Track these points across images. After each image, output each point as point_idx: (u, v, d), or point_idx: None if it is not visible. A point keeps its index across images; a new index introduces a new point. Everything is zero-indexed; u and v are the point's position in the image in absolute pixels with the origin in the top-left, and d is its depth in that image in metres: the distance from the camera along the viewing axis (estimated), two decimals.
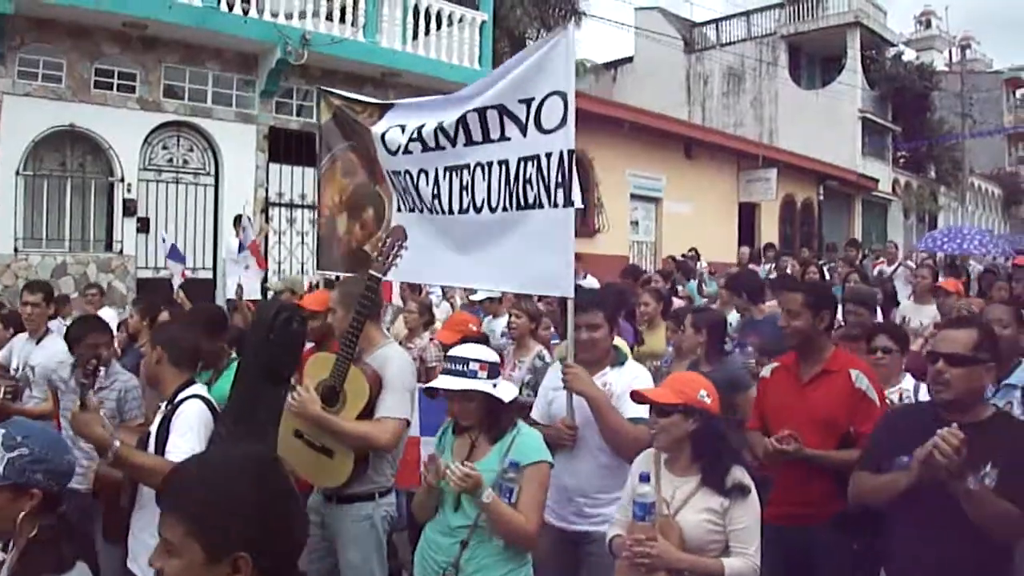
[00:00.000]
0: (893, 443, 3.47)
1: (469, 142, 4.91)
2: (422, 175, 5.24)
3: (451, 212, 5.07)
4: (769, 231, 26.50)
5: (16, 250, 12.30)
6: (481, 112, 4.79)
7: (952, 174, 39.45)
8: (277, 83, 14.36)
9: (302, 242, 15.19)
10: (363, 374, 4.33)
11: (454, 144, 4.99)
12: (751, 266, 15.83)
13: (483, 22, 16.88)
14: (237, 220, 11.91)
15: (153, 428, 4.15)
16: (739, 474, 3.47)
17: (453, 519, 3.63)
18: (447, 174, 5.08)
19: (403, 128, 5.32)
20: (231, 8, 13.43)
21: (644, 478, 3.43)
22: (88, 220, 12.99)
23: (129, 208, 13.20)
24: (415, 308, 8.33)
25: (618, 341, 5.04)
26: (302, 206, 15.17)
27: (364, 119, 5.74)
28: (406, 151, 5.30)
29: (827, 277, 14.18)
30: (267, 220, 14.51)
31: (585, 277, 12.82)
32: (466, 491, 3.49)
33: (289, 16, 14.02)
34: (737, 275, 7.99)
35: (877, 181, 32.45)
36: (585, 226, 19.67)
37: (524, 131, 4.59)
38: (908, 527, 3.39)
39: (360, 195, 5.97)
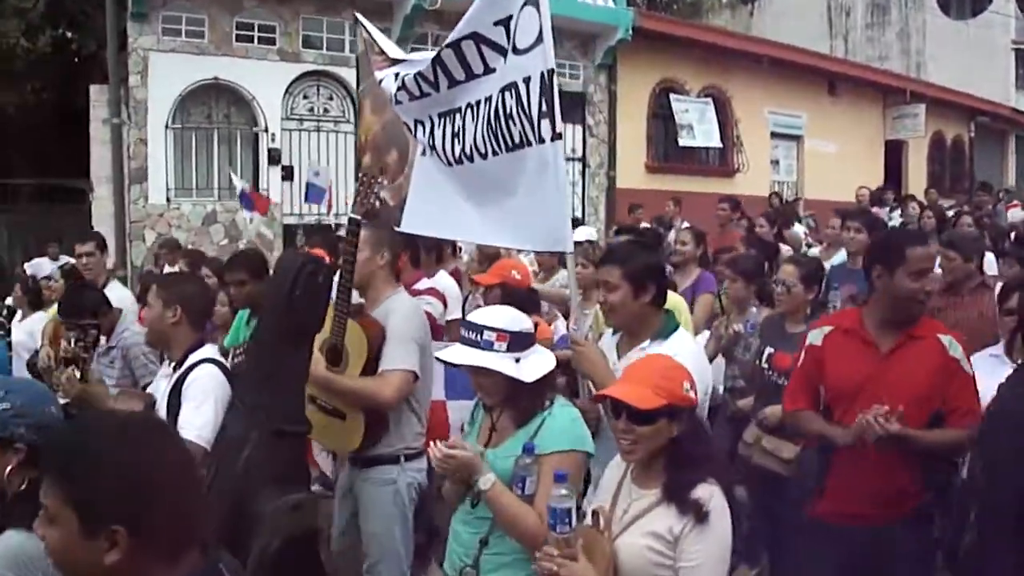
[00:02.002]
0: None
1: (452, 83, 4.27)
2: (418, 125, 4.61)
3: (449, 164, 4.40)
4: (917, 170, 25.28)
5: (168, 200, 12.77)
6: (455, 46, 4.14)
7: None
8: (412, 29, 14.36)
9: None
10: (362, 328, 4.08)
11: (437, 88, 4.36)
12: (874, 209, 14.12)
13: None
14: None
15: (162, 395, 3.91)
16: (704, 493, 2.64)
17: (476, 508, 3.13)
18: (441, 121, 4.43)
19: (396, 75, 4.70)
20: None
21: (559, 477, 2.70)
22: (235, 169, 13.31)
23: (273, 157, 13.53)
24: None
25: (674, 302, 4.37)
26: None
27: (375, 59, 5.16)
28: (397, 101, 4.71)
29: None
30: None
31: (682, 223, 12.33)
32: (451, 475, 3.06)
33: None
34: (736, 258, 6.80)
35: None
36: (724, 165, 19.27)
37: (505, 57, 3.95)
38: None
39: (388, 135, 5.32)
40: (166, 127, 12.78)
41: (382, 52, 5.12)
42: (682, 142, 18.04)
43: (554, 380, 3.21)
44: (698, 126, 18.17)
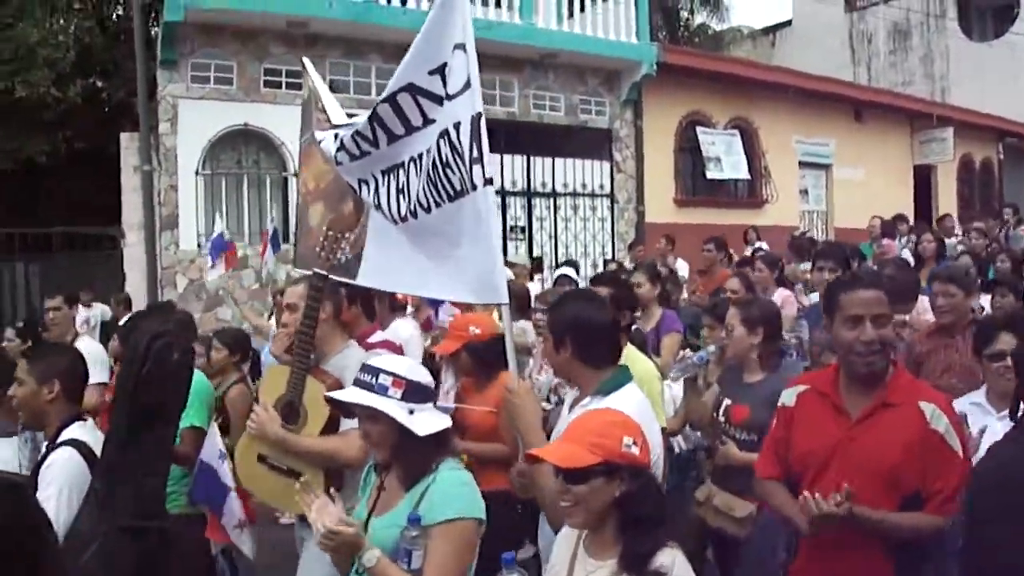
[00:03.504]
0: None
1: (392, 138, 4.05)
2: (362, 185, 4.36)
3: (395, 222, 4.16)
4: (947, 194, 25.08)
5: (199, 246, 12.80)
6: (391, 100, 3.94)
7: None
8: None
9: None
10: (322, 384, 3.89)
11: (376, 145, 4.14)
12: (885, 241, 13.48)
13: None
14: None
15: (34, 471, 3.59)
16: (666, 560, 2.47)
17: None
18: (385, 178, 4.19)
19: (336, 136, 4.45)
20: (389, 1, 13.57)
21: (507, 561, 2.57)
22: (265, 214, 13.36)
23: None
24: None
25: (630, 356, 4.02)
26: None
27: (318, 116, 4.93)
28: (337, 163, 4.46)
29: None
30: None
31: (675, 260, 12.19)
32: (334, 553, 2.79)
33: None
34: (716, 303, 6.20)
35: None
36: (753, 197, 19.16)
37: (442, 105, 3.76)
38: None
39: (341, 183, 4.82)
40: (196, 173, 12.84)
41: (324, 111, 4.93)
42: (710, 175, 17.98)
43: (447, 442, 2.98)
44: (726, 158, 18.11)
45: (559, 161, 16.24)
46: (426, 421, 2.86)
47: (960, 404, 4.03)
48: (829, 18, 32.88)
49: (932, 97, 28.79)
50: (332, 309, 4.30)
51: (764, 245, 13.27)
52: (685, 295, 9.58)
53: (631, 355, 4.12)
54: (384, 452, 2.90)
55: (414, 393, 2.88)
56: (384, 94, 3.98)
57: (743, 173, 18.53)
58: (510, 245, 15.42)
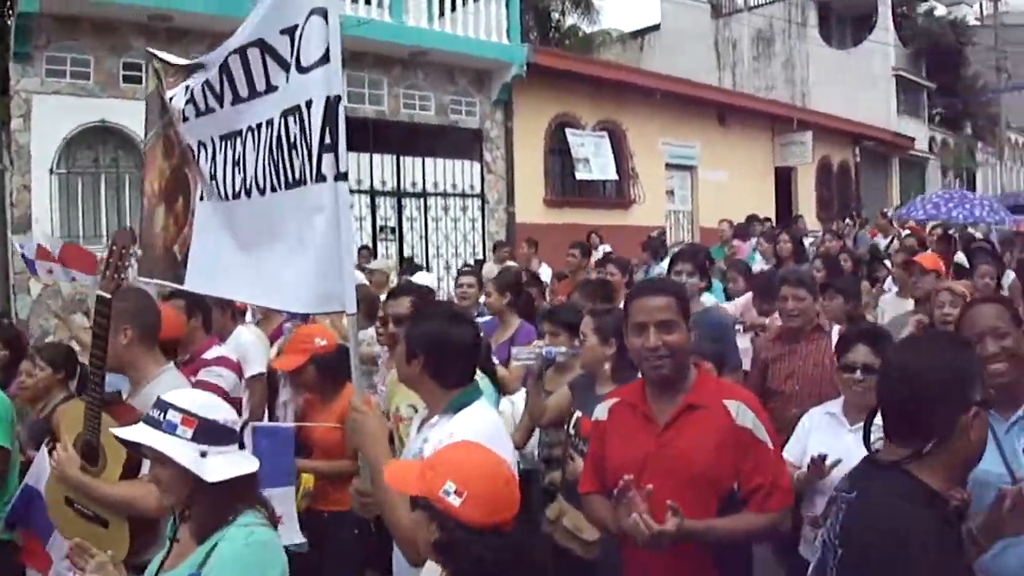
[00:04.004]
0: None
1: (236, 99, 3.62)
2: (201, 148, 3.90)
3: (226, 197, 3.73)
4: (806, 196, 26.11)
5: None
6: (242, 53, 3.50)
7: (989, 130, 38.88)
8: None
9: None
10: (117, 422, 3.31)
11: (221, 102, 3.70)
12: (735, 242, 13.55)
13: None
14: None
15: None
16: None
17: None
18: (222, 144, 3.76)
19: (186, 88, 3.96)
20: None
21: None
22: (124, 215, 12.90)
23: None
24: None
25: (503, 371, 3.83)
26: None
27: (168, 83, 4.22)
28: (184, 118, 3.96)
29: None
30: None
31: (539, 264, 12.13)
32: None
33: None
34: (555, 309, 5.79)
35: (913, 140, 31.82)
36: (621, 197, 19.52)
37: (288, 74, 3.33)
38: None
39: (177, 179, 4.36)
40: (51, 172, 12.28)
41: (172, 67, 4.29)
42: (579, 176, 18.23)
43: (249, 490, 2.63)
44: (594, 159, 18.39)
45: (429, 161, 16.20)
46: (220, 466, 2.52)
47: (816, 414, 4.11)
48: (696, 24, 33.78)
49: (793, 102, 29.92)
50: (137, 332, 3.76)
51: (608, 248, 13.41)
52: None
53: None
54: (174, 499, 2.60)
55: (208, 433, 2.54)
56: (235, 42, 3.55)
57: (611, 174, 18.85)
58: (380, 246, 15.33)
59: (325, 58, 3.12)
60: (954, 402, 2.19)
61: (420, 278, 8.21)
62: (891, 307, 7.44)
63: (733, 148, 22.65)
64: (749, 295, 7.50)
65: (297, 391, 5.18)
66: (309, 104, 3.17)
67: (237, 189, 3.64)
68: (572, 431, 4.37)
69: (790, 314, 5.33)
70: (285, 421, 5.06)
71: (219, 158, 3.77)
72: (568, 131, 18.20)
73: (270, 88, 3.44)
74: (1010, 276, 8.70)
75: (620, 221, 18.07)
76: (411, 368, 3.15)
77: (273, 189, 3.41)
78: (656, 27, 35.65)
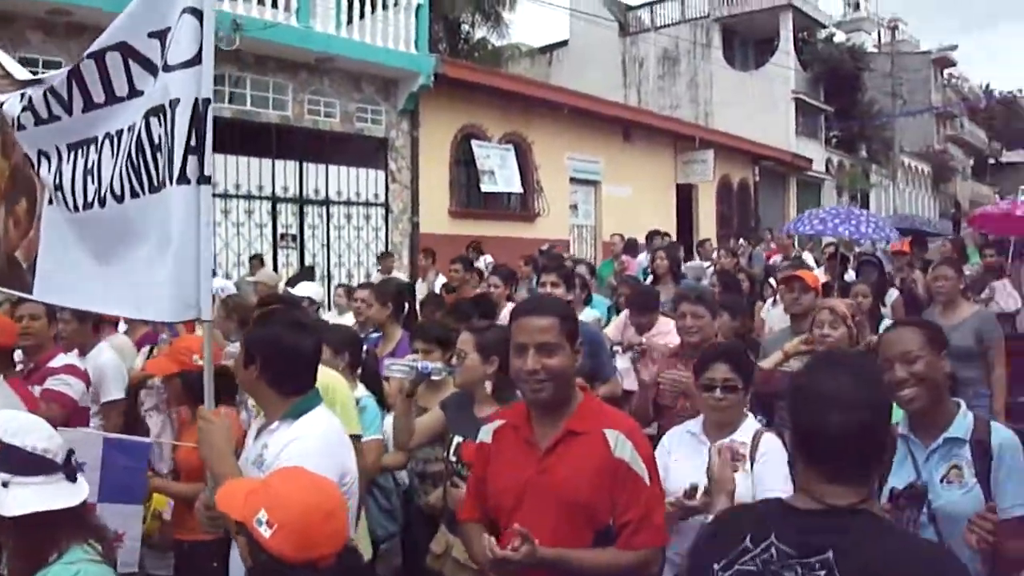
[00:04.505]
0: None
1: (89, 105, 3.47)
2: (43, 159, 3.73)
3: (76, 208, 3.56)
4: (707, 212, 26.67)
5: None
6: (99, 58, 3.34)
7: (883, 153, 40.46)
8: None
9: (237, 233, 14.82)
10: None
11: (70, 110, 3.55)
12: (624, 257, 13.58)
13: (419, 5, 16.56)
14: None
15: None
16: None
17: None
18: (71, 155, 3.59)
19: (22, 95, 3.81)
20: None
21: None
22: None
23: None
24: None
25: (327, 382, 3.59)
26: (223, 195, 14.42)
27: (1, 84, 4.11)
28: (20, 126, 3.81)
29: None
30: None
31: (436, 276, 11.97)
32: None
33: (220, 0, 13.66)
34: (422, 325, 5.65)
35: (811, 161, 32.74)
36: (525, 210, 19.63)
37: (156, 76, 3.22)
38: None
39: (17, 180, 4.08)
40: None
41: (7, 75, 4.16)
42: (484, 188, 18.27)
43: (76, 525, 2.37)
44: (500, 172, 18.47)
45: (333, 168, 16.03)
46: (25, 498, 2.25)
47: (676, 433, 3.98)
48: (604, 41, 34.27)
49: (696, 121, 30.53)
50: None
51: (489, 258, 13.47)
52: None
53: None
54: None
55: (12, 460, 2.28)
56: (92, 48, 3.39)
57: (516, 187, 18.95)
58: (280, 253, 15.14)
59: (197, 59, 3.07)
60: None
61: (304, 289, 7.95)
62: (777, 322, 7.36)
63: (637, 164, 23.00)
64: (625, 314, 7.12)
65: (166, 402, 4.93)
66: (175, 104, 3.10)
67: (90, 199, 3.50)
68: (453, 457, 4.06)
69: (688, 331, 5.17)
70: (152, 431, 4.87)
71: (66, 168, 3.62)
72: (474, 143, 18.24)
73: (134, 93, 3.34)
74: (893, 294, 8.99)
75: (524, 234, 18.17)
76: (248, 373, 3.07)
77: (133, 195, 3.30)
78: (564, 43, 36.12)
